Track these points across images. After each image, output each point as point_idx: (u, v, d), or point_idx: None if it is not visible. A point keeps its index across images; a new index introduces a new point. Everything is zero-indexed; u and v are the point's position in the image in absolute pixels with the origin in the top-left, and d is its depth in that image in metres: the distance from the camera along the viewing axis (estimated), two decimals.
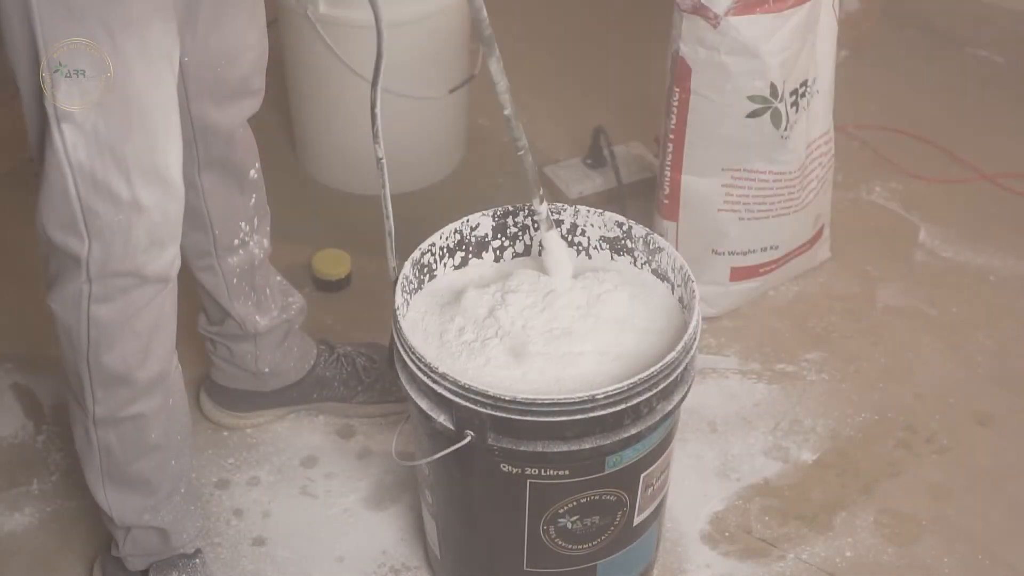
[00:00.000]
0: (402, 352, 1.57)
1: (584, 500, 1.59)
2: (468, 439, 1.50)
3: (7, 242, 2.45)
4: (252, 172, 1.81)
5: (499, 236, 1.76)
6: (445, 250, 1.72)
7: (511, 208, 1.75)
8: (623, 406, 1.49)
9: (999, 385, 2.19)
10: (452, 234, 1.72)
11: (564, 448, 1.50)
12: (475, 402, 1.48)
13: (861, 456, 2.06)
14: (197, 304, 1.95)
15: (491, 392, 1.47)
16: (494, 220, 1.75)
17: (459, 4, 2.42)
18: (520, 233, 1.76)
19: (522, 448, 1.50)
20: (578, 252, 1.76)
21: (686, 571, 1.89)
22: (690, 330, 1.55)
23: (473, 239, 1.75)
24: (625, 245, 1.74)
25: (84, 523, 1.94)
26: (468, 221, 1.73)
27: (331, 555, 1.91)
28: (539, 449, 1.50)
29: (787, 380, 2.20)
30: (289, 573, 1.89)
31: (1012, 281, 2.41)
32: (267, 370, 2.01)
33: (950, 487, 2.01)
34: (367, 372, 2.09)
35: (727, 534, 1.94)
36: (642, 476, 1.61)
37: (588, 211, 1.74)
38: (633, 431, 1.52)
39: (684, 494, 1.98)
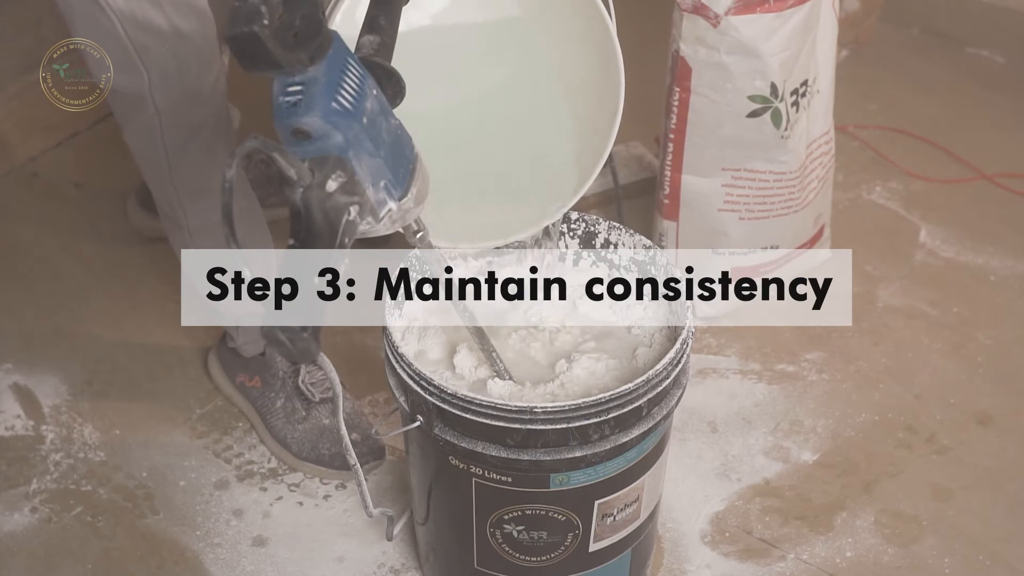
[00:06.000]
0: (387, 343, 1.55)
1: (529, 512, 1.54)
2: (417, 423, 1.50)
3: (7, 242, 2.45)
4: None
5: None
6: None
7: None
8: (564, 426, 1.43)
9: (999, 385, 2.19)
10: None
11: (504, 454, 1.46)
12: (424, 389, 1.47)
13: (861, 456, 2.06)
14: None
15: (436, 382, 1.45)
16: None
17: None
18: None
19: (463, 445, 1.48)
20: (610, 268, 1.72)
21: (686, 571, 1.89)
22: (659, 366, 1.46)
23: None
24: (649, 271, 1.68)
25: (84, 524, 1.95)
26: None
27: (331, 555, 1.91)
28: (479, 450, 1.47)
29: (787, 380, 2.20)
30: (289, 573, 1.89)
31: (1012, 281, 2.41)
32: None
33: (950, 487, 2.01)
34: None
35: (727, 534, 1.94)
36: (596, 503, 1.54)
37: (621, 229, 1.69)
38: (579, 454, 1.46)
39: (684, 494, 1.99)
